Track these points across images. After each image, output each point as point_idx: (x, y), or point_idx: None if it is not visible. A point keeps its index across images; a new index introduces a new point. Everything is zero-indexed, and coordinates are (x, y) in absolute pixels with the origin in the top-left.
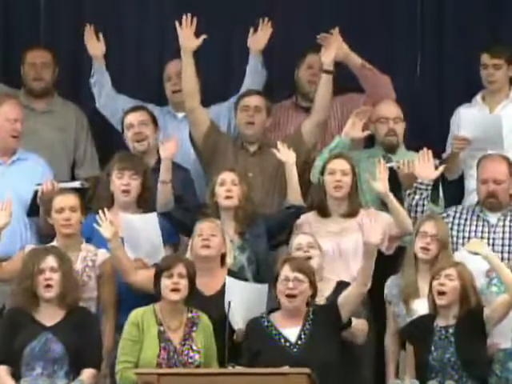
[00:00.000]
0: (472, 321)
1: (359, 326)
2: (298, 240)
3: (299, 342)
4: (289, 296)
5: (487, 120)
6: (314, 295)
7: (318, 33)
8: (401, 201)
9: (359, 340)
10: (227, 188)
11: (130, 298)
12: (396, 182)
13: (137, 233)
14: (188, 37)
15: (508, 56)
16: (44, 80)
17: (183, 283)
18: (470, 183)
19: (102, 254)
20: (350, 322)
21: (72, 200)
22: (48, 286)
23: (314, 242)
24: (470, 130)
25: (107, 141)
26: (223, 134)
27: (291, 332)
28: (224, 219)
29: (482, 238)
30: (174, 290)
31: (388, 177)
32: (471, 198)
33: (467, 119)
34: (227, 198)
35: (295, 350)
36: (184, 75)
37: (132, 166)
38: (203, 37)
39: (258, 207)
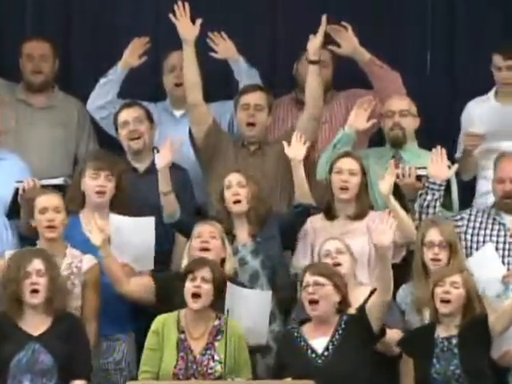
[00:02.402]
0: (476, 330)
1: (393, 335)
2: (327, 246)
3: (325, 353)
4: (311, 302)
5: (502, 112)
6: (343, 301)
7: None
8: (404, 208)
9: (394, 351)
10: (234, 191)
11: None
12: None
13: (126, 236)
14: (186, 26)
15: None
16: (43, 73)
17: (206, 288)
18: (483, 185)
19: (88, 260)
20: (383, 332)
21: (56, 200)
22: (34, 291)
23: (344, 246)
24: (484, 125)
25: (110, 137)
26: (224, 132)
27: (319, 343)
28: (236, 224)
29: (497, 242)
30: (195, 294)
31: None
32: (482, 200)
33: (479, 113)
34: (236, 202)
35: (320, 361)
36: (186, 68)
37: (108, 166)
38: (199, 21)
39: (270, 206)
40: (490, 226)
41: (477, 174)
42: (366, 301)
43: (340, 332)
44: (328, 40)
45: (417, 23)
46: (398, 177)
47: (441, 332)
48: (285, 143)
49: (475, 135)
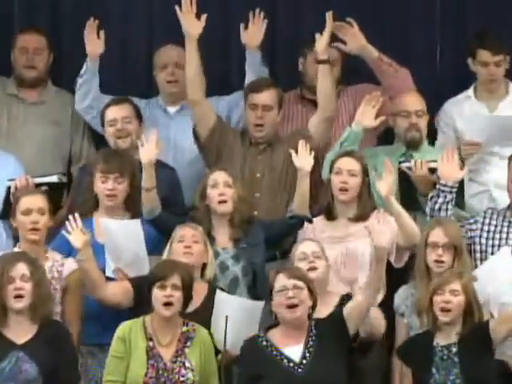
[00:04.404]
0: (477, 337)
1: (374, 314)
2: (302, 248)
3: (304, 362)
4: (290, 306)
5: (503, 121)
6: (314, 306)
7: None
8: (418, 205)
9: (379, 331)
10: (220, 191)
11: (111, 312)
12: (412, 185)
13: (117, 240)
14: (191, 21)
15: (506, 48)
16: (37, 68)
17: (177, 296)
18: (472, 187)
19: (70, 264)
20: (356, 338)
21: (40, 201)
22: (18, 296)
23: (320, 250)
24: (483, 134)
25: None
26: (231, 129)
27: (293, 351)
28: (217, 225)
29: None
30: (167, 303)
31: (405, 178)
32: (474, 202)
33: (459, 114)
34: (221, 202)
35: (300, 370)
36: (189, 64)
37: (117, 168)
38: (205, 16)
39: (255, 210)
40: (505, 230)
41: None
42: (342, 304)
43: (313, 338)
44: (334, 38)
45: (425, 12)
46: (410, 169)
47: (440, 340)
48: (292, 152)
49: (474, 144)
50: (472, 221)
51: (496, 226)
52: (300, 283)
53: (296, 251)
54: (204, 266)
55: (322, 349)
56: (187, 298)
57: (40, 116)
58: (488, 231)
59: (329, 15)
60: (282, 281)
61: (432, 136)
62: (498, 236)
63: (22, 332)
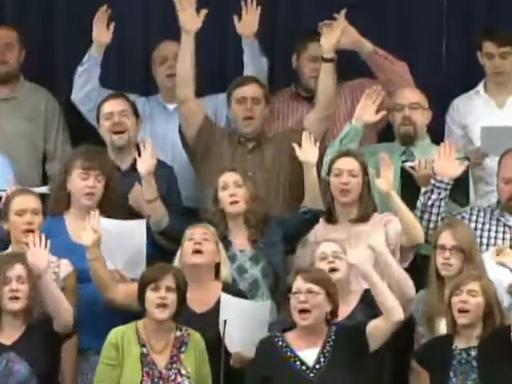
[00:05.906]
0: (497, 341)
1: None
2: (323, 248)
3: (317, 366)
4: (301, 311)
5: (496, 107)
6: (334, 312)
7: (328, 14)
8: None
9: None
10: (231, 192)
11: (108, 317)
12: (415, 185)
13: (116, 241)
14: (190, 17)
15: None
16: (8, 63)
17: (171, 298)
18: (480, 188)
19: (66, 266)
20: (378, 351)
21: (34, 201)
22: (14, 298)
23: (341, 251)
24: (494, 146)
25: (83, 132)
26: (218, 128)
27: (308, 354)
28: (233, 227)
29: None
30: (161, 305)
31: (408, 178)
32: (482, 202)
33: (466, 112)
34: (233, 203)
35: (312, 375)
36: (182, 60)
37: (99, 164)
38: (204, 12)
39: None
40: (493, 228)
41: (473, 175)
42: (362, 301)
43: (331, 343)
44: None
45: (431, 6)
46: (413, 168)
47: (459, 343)
48: (295, 145)
49: (483, 155)
50: (458, 217)
51: (484, 224)
52: (316, 288)
53: (316, 252)
54: (217, 266)
55: (338, 356)
56: (181, 301)
57: (12, 112)
58: (475, 228)
59: (341, 14)
60: (298, 283)
61: (435, 134)
62: (486, 234)
63: (12, 332)
